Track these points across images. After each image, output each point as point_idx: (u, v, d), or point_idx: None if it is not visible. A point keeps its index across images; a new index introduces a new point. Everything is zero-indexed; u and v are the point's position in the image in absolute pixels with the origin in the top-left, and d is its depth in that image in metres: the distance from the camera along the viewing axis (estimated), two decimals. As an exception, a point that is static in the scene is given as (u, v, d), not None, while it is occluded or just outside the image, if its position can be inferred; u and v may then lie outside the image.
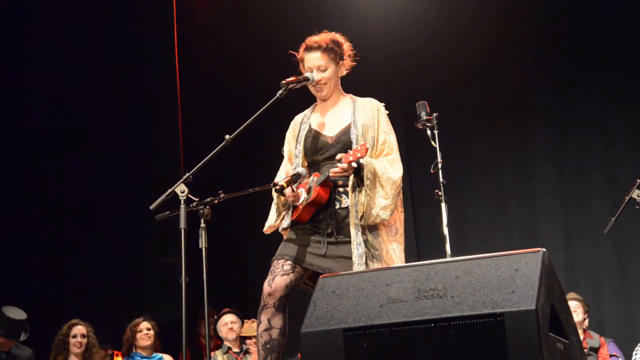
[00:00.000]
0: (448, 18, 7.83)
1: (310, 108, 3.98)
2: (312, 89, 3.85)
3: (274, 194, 3.85)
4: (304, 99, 4.03)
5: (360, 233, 3.58)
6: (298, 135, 3.87)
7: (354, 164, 3.51)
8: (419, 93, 4.98)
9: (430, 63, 7.79)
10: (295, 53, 3.88)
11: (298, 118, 3.97)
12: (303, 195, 3.70)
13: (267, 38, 7.87)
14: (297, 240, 3.70)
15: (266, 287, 3.61)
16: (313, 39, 3.82)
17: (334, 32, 3.88)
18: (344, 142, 3.72)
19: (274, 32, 7.71)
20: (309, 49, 3.80)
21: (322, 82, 3.78)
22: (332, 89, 3.82)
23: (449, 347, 2.45)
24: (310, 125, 3.86)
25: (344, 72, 3.87)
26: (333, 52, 3.79)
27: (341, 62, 3.83)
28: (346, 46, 3.87)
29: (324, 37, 3.82)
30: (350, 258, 3.58)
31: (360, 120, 3.73)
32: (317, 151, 3.78)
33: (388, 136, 3.74)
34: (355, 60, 3.92)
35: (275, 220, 3.87)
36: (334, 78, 3.81)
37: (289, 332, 3.66)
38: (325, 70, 3.78)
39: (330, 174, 3.59)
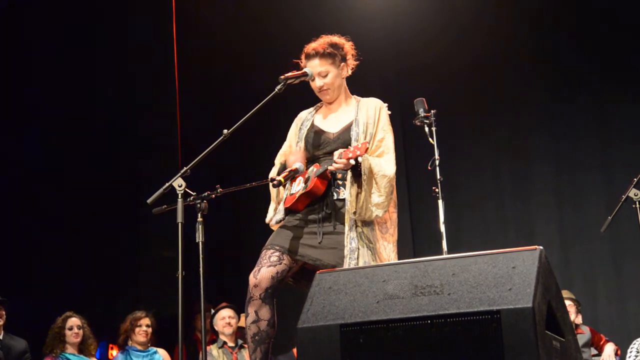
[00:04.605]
0: (447, 17, 7.85)
1: (315, 107, 3.98)
2: (317, 93, 3.85)
3: (272, 191, 3.86)
4: (304, 94, 4.03)
5: (354, 227, 3.58)
6: (299, 133, 3.88)
7: (352, 161, 3.51)
8: (417, 90, 4.97)
9: (428, 62, 7.80)
10: (299, 62, 3.86)
11: (302, 115, 3.98)
12: (301, 184, 3.70)
13: (265, 33, 7.89)
14: (289, 231, 3.67)
15: (251, 279, 3.56)
16: (311, 46, 3.82)
17: (331, 35, 3.87)
18: (344, 139, 3.72)
19: (272, 29, 7.73)
20: (308, 56, 3.81)
21: (324, 87, 3.79)
22: (336, 92, 3.82)
23: (445, 344, 2.45)
24: (313, 122, 3.88)
25: (349, 72, 3.86)
26: (332, 56, 3.78)
27: (343, 63, 3.82)
28: (347, 46, 3.86)
29: (321, 43, 3.82)
30: (343, 250, 3.57)
31: (362, 119, 3.74)
32: (318, 146, 3.78)
33: (386, 134, 3.74)
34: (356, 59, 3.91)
35: (272, 212, 3.88)
36: (336, 82, 3.80)
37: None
38: (326, 75, 3.78)
39: (329, 168, 3.60)
